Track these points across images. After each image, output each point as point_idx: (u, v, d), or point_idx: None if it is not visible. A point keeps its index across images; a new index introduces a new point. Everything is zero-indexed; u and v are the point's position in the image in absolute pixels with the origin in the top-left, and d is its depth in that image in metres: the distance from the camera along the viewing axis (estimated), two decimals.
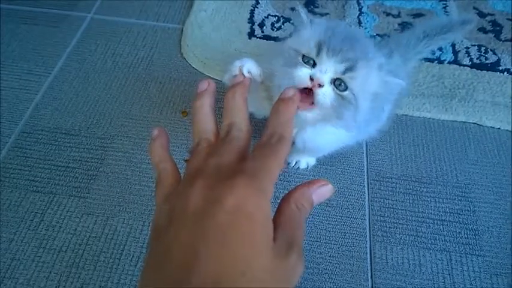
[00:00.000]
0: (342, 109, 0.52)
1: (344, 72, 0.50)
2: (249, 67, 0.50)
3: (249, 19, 1.00)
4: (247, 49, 0.93)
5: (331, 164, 0.77)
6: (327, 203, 0.72)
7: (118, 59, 0.92)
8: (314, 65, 0.51)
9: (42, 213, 0.69)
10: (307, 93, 0.51)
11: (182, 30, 0.98)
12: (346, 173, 0.76)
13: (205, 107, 0.36)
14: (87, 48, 0.94)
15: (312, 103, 0.51)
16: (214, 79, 0.88)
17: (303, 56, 0.51)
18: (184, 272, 0.27)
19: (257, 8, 1.02)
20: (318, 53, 0.50)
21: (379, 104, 0.59)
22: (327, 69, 0.50)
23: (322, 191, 0.34)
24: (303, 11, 0.56)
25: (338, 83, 0.51)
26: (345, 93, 0.51)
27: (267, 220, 0.30)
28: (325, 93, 0.50)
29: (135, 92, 0.86)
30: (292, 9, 1.03)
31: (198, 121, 0.36)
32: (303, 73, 0.50)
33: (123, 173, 0.74)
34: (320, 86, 0.50)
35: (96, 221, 0.69)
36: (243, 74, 0.49)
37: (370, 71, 0.52)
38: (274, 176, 0.31)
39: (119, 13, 1.02)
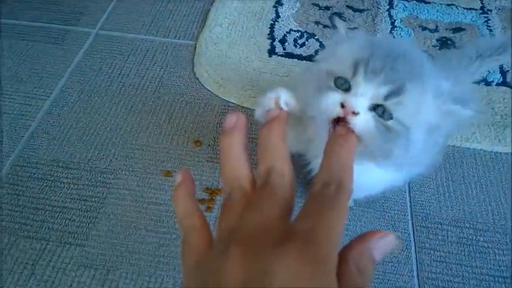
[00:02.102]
0: (389, 144, 0.42)
1: (387, 97, 0.39)
2: (286, 99, 0.41)
3: (268, 34, 0.90)
4: (268, 68, 0.83)
5: (368, 206, 0.66)
6: None
7: (124, 79, 0.83)
8: (349, 89, 0.41)
9: (33, 265, 0.59)
10: (345, 125, 0.40)
11: (195, 47, 0.88)
12: (386, 217, 0.65)
13: (235, 147, 0.29)
14: (90, 68, 0.85)
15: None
16: (232, 103, 0.78)
17: (337, 78, 0.41)
18: None
19: (277, 22, 0.92)
20: (354, 73, 0.40)
21: (436, 137, 0.48)
22: (364, 93, 0.40)
23: (384, 244, 0.27)
24: (339, 22, 0.47)
25: (381, 111, 0.40)
26: (390, 122, 0.40)
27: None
28: (363, 122, 0.40)
29: (143, 118, 0.76)
30: (317, 23, 0.92)
31: (227, 166, 0.29)
32: (331, 99, 0.41)
33: (127, 215, 0.64)
34: (354, 113, 0.39)
35: (94, 275, 0.59)
36: (279, 107, 0.39)
37: (424, 95, 0.41)
38: (337, 239, 0.24)
39: (126, 28, 0.92)
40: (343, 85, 0.41)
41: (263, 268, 0.23)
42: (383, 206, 0.66)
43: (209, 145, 0.73)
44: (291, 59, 0.84)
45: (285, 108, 0.40)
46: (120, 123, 0.76)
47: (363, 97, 0.40)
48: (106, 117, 0.76)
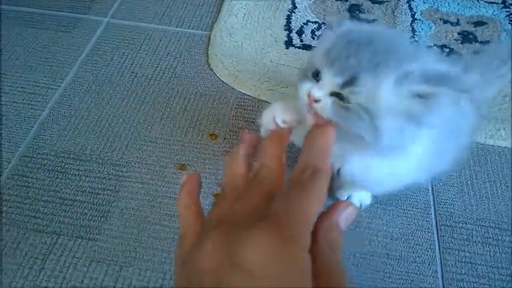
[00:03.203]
0: (352, 124, 0.41)
1: (342, 87, 0.40)
2: (282, 116, 0.44)
3: (285, 26, 0.87)
4: (285, 60, 0.81)
5: (389, 204, 0.64)
6: (387, 254, 0.58)
7: (137, 70, 0.80)
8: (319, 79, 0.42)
9: (43, 259, 0.57)
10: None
11: (210, 38, 0.85)
12: (409, 216, 0.63)
13: (240, 155, 0.33)
14: (101, 57, 0.82)
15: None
16: (247, 95, 0.75)
17: (314, 70, 0.43)
18: None
19: (294, 13, 0.89)
20: (322, 64, 0.41)
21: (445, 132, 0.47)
22: (325, 83, 0.41)
23: (347, 214, 0.30)
24: (330, 16, 0.47)
25: (340, 97, 0.41)
26: (350, 104, 0.40)
27: (302, 278, 0.24)
28: (323, 106, 0.41)
29: (156, 110, 0.74)
30: (335, 15, 0.89)
31: (229, 167, 0.33)
32: (303, 89, 0.42)
33: (141, 209, 0.62)
34: (315, 101, 0.41)
35: (107, 271, 0.57)
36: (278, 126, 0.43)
37: (381, 83, 0.40)
38: (309, 219, 0.26)
39: (139, 17, 0.90)
40: (317, 76, 0.42)
41: (235, 248, 0.24)
42: (405, 203, 0.64)
43: (225, 138, 0.70)
44: (308, 51, 0.82)
45: (282, 125, 0.43)
46: (133, 114, 0.73)
47: (324, 86, 0.41)
48: (118, 108, 0.74)
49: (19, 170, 0.66)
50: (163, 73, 0.80)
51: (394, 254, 0.59)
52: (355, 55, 0.40)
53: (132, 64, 0.81)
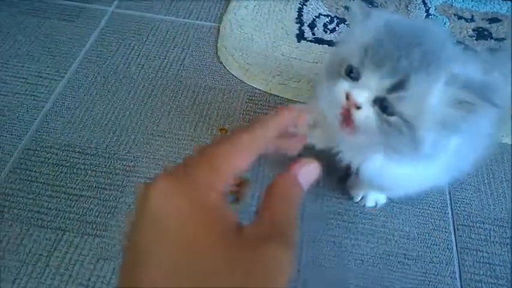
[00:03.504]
0: (391, 139, 0.40)
1: (390, 91, 0.37)
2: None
3: (296, 18, 0.85)
4: (297, 54, 0.78)
5: (406, 203, 0.62)
6: (404, 254, 0.57)
7: (143, 61, 0.78)
8: (358, 78, 0.39)
9: (47, 256, 0.55)
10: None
11: (219, 30, 0.83)
12: (426, 215, 0.61)
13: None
14: (107, 48, 0.80)
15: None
16: (258, 89, 0.73)
17: (347, 66, 0.40)
18: (126, 274, 0.26)
19: (306, 5, 0.87)
20: (361, 62, 0.38)
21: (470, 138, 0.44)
22: (369, 85, 0.38)
23: (308, 172, 0.31)
24: (354, 3, 0.43)
25: (384, 105, 0.38)
26: (393, 119, 0.38)
27: (202, 213, 0.27)
28: (364, 118, 0.39)
29: (164, 103, 0.72)
30: (347, 8, 0.87)
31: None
32: (339, 88, 0.39)
33: None
34: (357, 107, 0.38)
35: (115, 269, 0.54)
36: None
37: (432, 87, 0.37)
38: (213, 163, 0.28)
39: (145, 7, 0.87)
40: (353, 74, 0.39)
41: (147, 193, 0.26)
42: (421, 203, 0.62)
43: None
44: (321, 45, 0.80)
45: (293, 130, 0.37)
46: (139, 107, 0.71)
47: (367, 89, 0.38)
48: (124, 101, 0.72)
49: (22, 164, 0.63)
50: (170, 65, 0.78)
51: (411, 254, 0.57)
52: (406, 55, 0.37)
53: (138, 55, 0.79)
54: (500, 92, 0.37)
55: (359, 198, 0.61)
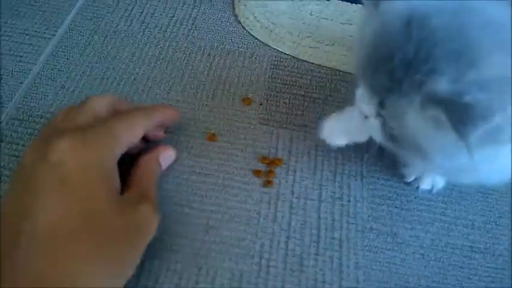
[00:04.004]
0: (397, 151, 0.40)
1: (380, 106, 0.35)
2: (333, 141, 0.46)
3: None
4: (327, 14, 0.68)
5: (466, 186, 0.52)
6: (471, 247, 0.48)
7: (148, 19, 0.66)
8: None
9: None
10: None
11: None
12: (490, 201, 0.52)
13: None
14: (104, 3, 0.68)
15: None
16: (285, 54, 0.63)
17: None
18: (14, 228, 0.31)
19: None
20: (359, 69, 0.37)
21: None
22: (367, 97, 0.36)
23: (168, 156, 0.47)
24: None
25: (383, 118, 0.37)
26: (394, 131, 0.36)
27: (100, 169, 0.34)
28: (373, 127, 0.37)
29: (175, 67, 0.61)
30: None
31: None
32: (356, 95, 0.38)
33: (164, 187, 0.49)
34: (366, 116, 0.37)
35: None
36: None
37: (407, 110, 0.33)
38: (112, 131, 0.37)
39: None
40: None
41: (43, 151, 0.33)
42: (484, 187, 0.53)
43: (261, 104, 0.58)
44: (354, 4, 0.69)
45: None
46: (146, 72, 0.60)
47: (370, 102, 0.36)
48: (128, 64, 0.61)
49: (6, 136, 0.52)
50: (180, 24, 0.66)
51: (477, 246, 0.48)
52: (382, 70, 0.32)
53: (141, 13, 0.67)
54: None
55: (412, 179, 0.51)
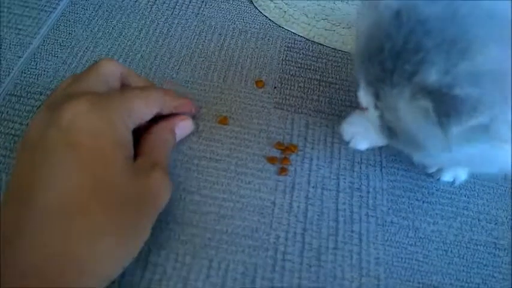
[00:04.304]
0: (397, 144, 0.38)
1: (376, 98, 0.34)
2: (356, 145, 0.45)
3: None
4: None
5: (489, 180, 0.50)
6: (494, 243, 0.45)
7: None
8: None
9: None
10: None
11: None
12: None
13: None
14: None
15: None
16: (299, 36, 0.59)
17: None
18: (26, 198, 0.29)
19: None
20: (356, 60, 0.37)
21: None
22: (364, 89, 0.35)
23: (184, 126, 0.44)
24: None
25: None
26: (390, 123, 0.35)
27: (116, 136, 0.33)
28: (372, 119, 0.37)
29: (184, 46, 0.57)
30: None
31: None
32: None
33: (172, 172, 0.46)
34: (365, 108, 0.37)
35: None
36: None
37: (398, 101, 0.32)
38: (129, 103, 0.36)
39: None
40: None
41: (55, 115, 0.31)
42: (508, 180, 0.50)
43: (275, 87, 0.55)
44: None
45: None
46: (154, 49, 0.56)
47: (365, 92, 0.35)
48: (135, 41, 0.57)
49: (2, 113, 0.49)
50: (190, 1, 0.63)
51: (502, 242, 0.46)
52: (377, 61, 0.31)
53: None
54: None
55: (433, 170, 0.48)
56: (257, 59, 0.57)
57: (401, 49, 0.30)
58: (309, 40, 0.60)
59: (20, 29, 0.56)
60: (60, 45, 0.55)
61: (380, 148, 0.50)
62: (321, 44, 0.60)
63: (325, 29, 0.60)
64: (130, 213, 0.32)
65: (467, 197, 0.48)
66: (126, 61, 0.54)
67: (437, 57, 0.28)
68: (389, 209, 0.46)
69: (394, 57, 0.30)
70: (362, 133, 0.45)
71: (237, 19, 0.61)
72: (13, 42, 0.55)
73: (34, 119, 0.34)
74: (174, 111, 0.43)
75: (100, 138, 0.32)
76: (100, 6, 0.60)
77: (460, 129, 0.27)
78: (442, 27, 0.29)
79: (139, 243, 0.33)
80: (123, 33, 0.57)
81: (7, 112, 0.49)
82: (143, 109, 0.37)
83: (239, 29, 0.60)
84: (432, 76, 0.28)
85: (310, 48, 0.60)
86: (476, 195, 0.49)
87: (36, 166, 0.30)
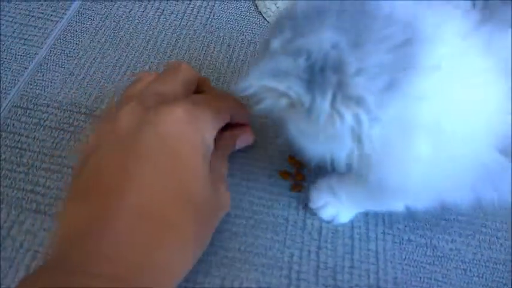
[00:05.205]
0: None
1: None
2: None
3: None
4: None
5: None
6: None
7: (163, 6, 0.62)
8: None
9: (47, 252, 0.40)
10: None
11: None
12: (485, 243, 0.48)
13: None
14: None
15: None
16: None
17: None
18: (116, 194, 0.27)
19: None
20: None
21: None
22: None
23: (245, 137, 0.44)
24: None
25: None
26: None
27: (205, 149, 0.33)
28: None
29: (193, 57, 0.56)
30: None
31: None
32: None
33: None
34: None
35: None
36: None
37: None
38: (216, 114, 0.36)
39: None
40: None
41: (152, 117, 0.31)
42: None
43: None
44: None
45: None
46: (162, 60, 0.55)
47: None
48: (142, 52, 0.56)
49: (8, 126, 0.48)
50: (197, 12, 0.62)
51: None
52: None
53: None
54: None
55: (316, 206, 0.43)
56: None
57: None
58: None
59: (26, 39, 0.55)
60: (67, 55, 0.54)
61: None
62: None
63: None
64: (209, 227, 0.34)
65: (485, 214, 0.47)
66: (134, 72, 0.53)
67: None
68: (405, 226, 0.45)
69: None
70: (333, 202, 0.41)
71: (246, 30, 0.60)
72: (19, 52, 0.54)
73: (122, 109, 0.32)
74: (240, 121, 0.43)
75: (195, 149, 0.32)
76: (107, 16, 0.59)
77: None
78: None
79: (203, 250, 0.35)
80: (131, 44, 0.56)
81: (13, 125, 0.48)
82: (224, 117, 0.38)
83: (248, 40, 0.59)
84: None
85: None
86: (493, 213, 0.47)
87: (129, 166, 0.29)
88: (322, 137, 0.28)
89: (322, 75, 0.25)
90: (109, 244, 0.27)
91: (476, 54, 0.25)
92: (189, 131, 0.32)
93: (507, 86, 0.26)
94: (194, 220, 0.31)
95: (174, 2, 0.63)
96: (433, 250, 0.43)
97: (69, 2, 0.60)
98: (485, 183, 0.31)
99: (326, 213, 0.42)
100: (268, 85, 0.26)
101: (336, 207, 0.42)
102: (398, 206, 0.37)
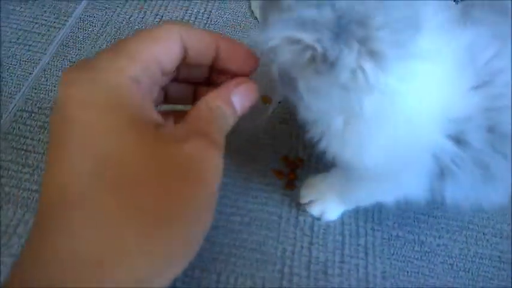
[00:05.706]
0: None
1: None
2: None
3: None
4: None
5: None
6: (499, 257, 0.46)
7: (162, 11, 0.64)
8: None
9: None
10: None
11: None
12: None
13: None
14: None
15: None
16: None
17: None
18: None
19: None
20: None
21: None
22: None
23: (241, 91, 0.30)
24: None
25: None
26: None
27: (113, 101, 0.25)
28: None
29: None
30: None
31: None
32: None
33: None
34: None
35: None
36: None
37: None
38: (129, 50, 0.27)
39: None
40: None
41: None
42: None
43: (279, 102, 0.55)
44: None
45: None
46: None
47: None
48: None
49: (14, 129, 0.50)
50: (195, 17, 0.64)
51: (507, 256, 0.46)
52: None
53: (155, 5, 0.65)
54: None
55: (305, 201, 0.45)
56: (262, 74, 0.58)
57: None
58: None
59: (30, 46, 0.57)
60: (69, 61, 0.56)
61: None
62: None
63: None
64: (153, 196, 0.23)
65: (472, 211, 0.49)
66: None
67: None
68: (394, 223, 0.46)
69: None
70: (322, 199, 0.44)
71: (243, 35, 0.63)
72: (23, 58, 0.56)
73: None
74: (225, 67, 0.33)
75: (94, 108, 0.24)
76: (108, 22, 0.62)
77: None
78: None
79: (188, 232, 0.26)
80: None
81: (19, 128, 0.50)
82: (148, 48, 0.27)
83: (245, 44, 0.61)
84: None
85: None
86: (481, 209, 0.49)
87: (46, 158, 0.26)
88: (335, 94, 0.26)
89: (348, 28, 0.23)
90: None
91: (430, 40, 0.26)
92: (76, 89, 0.25)
93: (457, 65, 0.27)
94: (121, 197, 0.24)
95: (172, 8, 0.65)
96: (421, 246, 0.45)
97: (71, 10, 0.62)
98: (446, 180, 0.32)
99: (314, 210, 0.44)
100: (294, 37, 0.23)
101: (323, 204, 0.43)
102: (372, 199, 0.39)
